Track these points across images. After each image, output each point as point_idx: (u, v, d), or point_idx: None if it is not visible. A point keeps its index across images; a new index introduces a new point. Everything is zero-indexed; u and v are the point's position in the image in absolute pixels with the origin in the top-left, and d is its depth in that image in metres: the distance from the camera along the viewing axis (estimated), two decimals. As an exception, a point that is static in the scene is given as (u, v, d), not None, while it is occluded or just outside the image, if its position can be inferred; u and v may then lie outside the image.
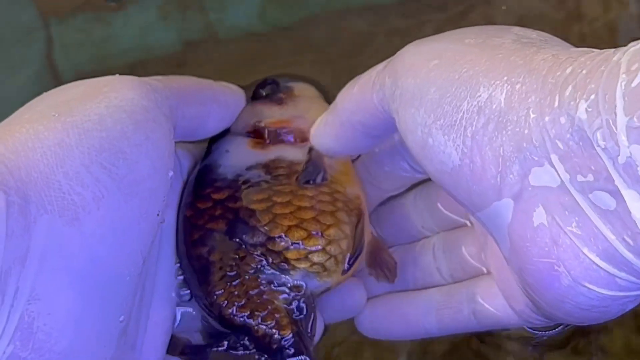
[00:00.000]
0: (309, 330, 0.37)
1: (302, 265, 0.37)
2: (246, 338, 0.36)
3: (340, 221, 0.38)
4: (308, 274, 0.37)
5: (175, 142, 0.35)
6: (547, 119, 0.29)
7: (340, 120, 0.38)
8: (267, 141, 0.40)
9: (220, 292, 0.37)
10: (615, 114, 0.27)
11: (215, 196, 0.38)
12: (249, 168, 0.39)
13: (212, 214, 0.38)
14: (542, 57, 0.30)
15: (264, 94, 0.41)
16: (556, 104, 0.28)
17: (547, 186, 0.29)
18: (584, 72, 0.28)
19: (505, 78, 0.30)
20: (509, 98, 0.30)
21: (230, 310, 0.37)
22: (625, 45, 0.28)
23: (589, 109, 0.27)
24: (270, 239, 0.37)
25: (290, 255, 0.37)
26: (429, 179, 0.40)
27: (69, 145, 0.30)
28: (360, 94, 0.37)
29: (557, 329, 0.38)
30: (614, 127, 0.27)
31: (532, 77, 0.29)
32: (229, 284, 0.37)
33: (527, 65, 0.30)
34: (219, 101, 0.39)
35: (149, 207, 0.32)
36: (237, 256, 0.37)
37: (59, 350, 0.29)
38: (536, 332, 0.37)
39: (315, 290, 0.38)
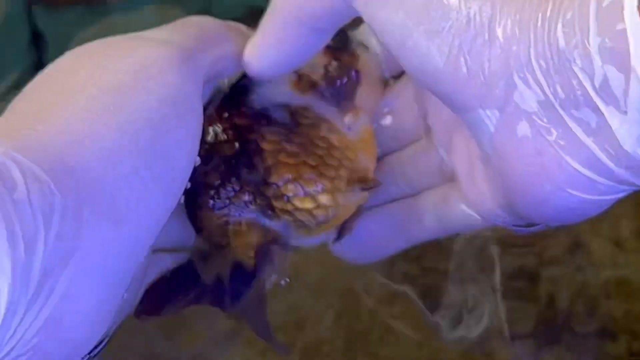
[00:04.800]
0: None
1: (285, 217, 0.37)
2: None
3: (336, 189, 0.37)
4: (288, 225, 0.37)
5: None
6: (531, 36, 0.29)
7: (284, 18, 0.35)
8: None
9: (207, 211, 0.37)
10: (589, 34, 0.27)
11: (237, 120, 0.37)
12: (277, 105, 0.38)
13: (226, 134, 0.37)
14: None
15: (330, 43, 0.38)
16: (539, 22, 0.29)
17: (532, 100, 0.30)
18: None
19: None
20: (497, 14, 0.30)
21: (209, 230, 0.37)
22: None
23: (566, 29, 0.28)
24: (265, 181, 0.37)
25: (277, 204, 0.37)
26: None
27: (122, 147, 0.30)
28: None
29: (530, 228, 0.38)
30: (588, 47, 0.28)
31: None
32: (214, 206, 0.37)
33: None
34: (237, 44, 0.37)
35: (178, 194, 0.32)
36: (231, 187, 0.37)
37: (80, 340, 0.30)
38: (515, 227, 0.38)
39: (289, 242, 0.38)
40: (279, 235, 0.37)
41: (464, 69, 0.30)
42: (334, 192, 0.37)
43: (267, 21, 0.36)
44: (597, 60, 0.27)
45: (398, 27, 0.31)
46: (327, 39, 0.36)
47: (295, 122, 0.38)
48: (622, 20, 0.27)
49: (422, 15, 0.31)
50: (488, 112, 0.31)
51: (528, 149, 0.30)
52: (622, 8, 0.27)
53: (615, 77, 0.27)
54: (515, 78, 0.29)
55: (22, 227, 0.27)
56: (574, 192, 0.30)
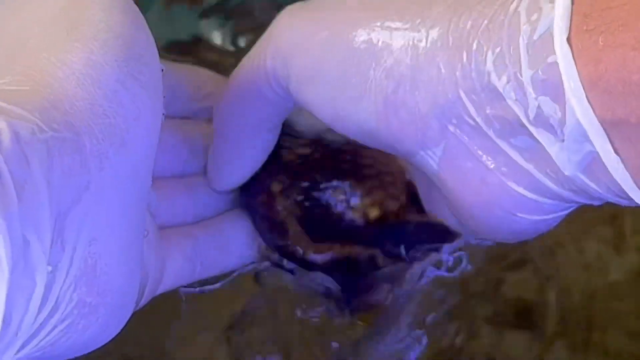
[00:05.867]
0: None
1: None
2: None
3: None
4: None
5: None
6: (458, 74, 0.29)
7: (239, 128, 0.36)
8: None
9: None
10: (521, 67, 0.28)
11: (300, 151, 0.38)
12: (328, 131, 0.38)
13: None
14: (438, 10, 0.30)
15: None
16: (465, 59, 0.29)
17: (468, 135, 0.30)
18: (485, 22, 0.29)
19: (406, 37, 0.30)
20: (416, 59, 0.30)
21: None
22: None
23: (496, 63, 0.28)
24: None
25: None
26: None
27: (98, 63, 0.27)
28: (248, 89, 0.35)
29: None
30: (521, 79, 0.28)
31: (434, 34, 0.30)
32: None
33: (425, 21, 0.30)
34: None
35: (162, 102, 0.30)
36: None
37: (118, 289, 0.28)
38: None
39: None
40: None
41: (395, 122, 0.31)
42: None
43: (219, 134, 0.36)
44: (530, 92, 0.28)
45: (327, 100, 0.32)
46: (279, 131, 0.37)
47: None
48: (554, 52, 0.27)
49: (343, 83, 0.31)
50: (429, 152, 0.31)
51: (473, 179, 0.31)
52: (552, 41, 0.27)
53: (551, 108, 0.28)
54: (448, 115, 0.30)
55: (14, 176, 0.24)
56: (523, 215, 0.31)
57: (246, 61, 0.35)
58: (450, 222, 0.37)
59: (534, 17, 0.27)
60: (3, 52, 0.28)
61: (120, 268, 0.28)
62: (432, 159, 0.31)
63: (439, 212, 0.37)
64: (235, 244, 0.39)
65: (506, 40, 0.28)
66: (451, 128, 0.30)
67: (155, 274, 0.35)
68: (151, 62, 0.29)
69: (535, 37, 0.27)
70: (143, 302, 0.35)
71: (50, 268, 0.25)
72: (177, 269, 0.37)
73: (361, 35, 0.31)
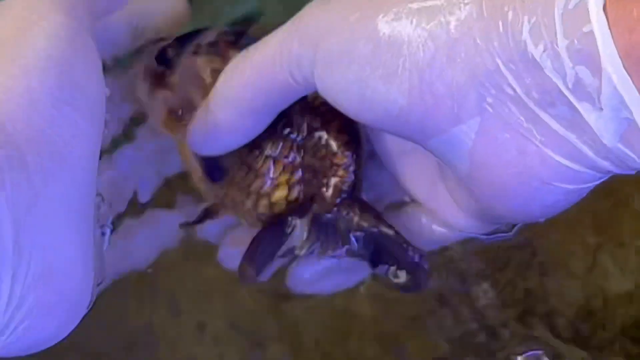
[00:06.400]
0: None
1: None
2: None
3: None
4: None
5: None
6: (495, 44, 0.30)
7: (238, 109, 0.36)
8: None
9: None
10: (556, 36, 0.28)
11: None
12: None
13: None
14: None
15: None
16: (501, 29, 0.29)
17: (507, 105, 0.30)
18: None
19: (440, 12, 0.30)
20: (451, 31, 0.30)
21: None
22: None
23: (532, 33, 0.29)
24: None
25: None
26: None
27: (36, 90, 0.30)
28: (262, 75, 0.35)
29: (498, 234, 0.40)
30: (557, 49, 0.28)
31: (468, 6, 0.30)
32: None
33: None
34: None
35: (102, 122, 0.33)
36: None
37: (74, 289, 0.31)
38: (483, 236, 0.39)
39: None
40: None
41: (429, 97, 0.31)
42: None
43: (218, 109, 0.36)
44: (567, 62, 0.28)
45: (354, 82, 0.32)
46: (277, 113, 0.37)
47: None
48: (589, 21, 0.28)
49: (374, 61, 0.31)
50: (464, 126, 0.31)
51: (510, 150, 0.31)
52: (588, 10, 0.28)
53: (588, 77, 0.28)
54: (487, 85, 0.30)
55: None
56: (560, 185, 0.31)
57: (264, 47, 0.35)
58: (454, 219, 0.37)
59: None
60: None
61: (75, 269, 0.31)
62: (465, 134, 0.31)
63: (441, 208, 0.37)
64: None
65: (541, 10, 0.28)
66: (489, 99, 0.30)
67: (101, 271, 0.37)
68: (88, 87, 0.32)
69: (570, 7, 0.28)
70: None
71: (12, 272, 0.28)
72: (141, 251, 0.41)
73: (393, 14, 0.31)
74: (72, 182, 0.30)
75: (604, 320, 0.48)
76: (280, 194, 0.38)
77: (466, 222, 0.37)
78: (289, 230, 0.38)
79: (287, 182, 0.38)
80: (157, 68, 0.39)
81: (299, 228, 0.38)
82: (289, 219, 0.38)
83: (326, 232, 0.38)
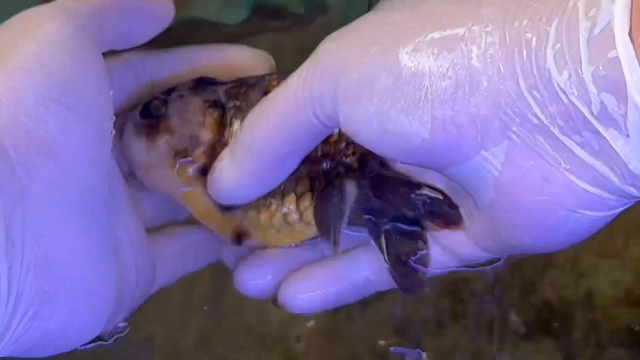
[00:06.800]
0: None
1: None
2: None
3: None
4: None
5: None
6: (518, 71, 0.29)
7: (266, 159, 0.36)
8: None
9: None
10: (581, 63, 0.28)
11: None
12: None
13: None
14: (489, 11, 0.30)
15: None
16: (525, 56, 0.29)
17: (532, 133, 0.30)
18: (543, 19, 0.29)
19: (462, 41, 0.30)
20: (473, 60, 0.30)
21: None
22: None
23: (556, 59, 0.28)
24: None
25: None
26: None
27: (21, 89, 0.31)
28: (286, 120, 0.35)
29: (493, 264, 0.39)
30: (582, 75, 0.28)
31: (490, 34, 0.30)
32: None
33: (477, 23, 0.30)
34: (143, 9, 0.37)
35: (104, 125, 0.33)
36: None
37: (77, 278, 0.31)
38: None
39: None
40: None
41: (452, 127, 0.31)
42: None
43: (245, 160, 0.36)
44: (592, 88, 0.28)
45: (375, 114, 0.32)
46: (303, 157, 0.37)
47: None
48: (614, 47, 0.27)
49: (395, 93, 0.31)
50: (489, 155, 0.31)
51: (535, 178, 0.31)
52: (613, 36, 0.27)
53: (613, 103, 0.28)
54: (511, 114, 0.30)
55: None
56: (586, 212, 0.31)
57: (285, 89, 0.35)
58: (461, 249, 0.36)
59: (593, 12, 0.28)
60: None
61: (77, 258, 0.31)
62: (489, 162, 0.31)
63: (447, 236, 0.37)
64: None
65: (565, 36, 0.28)
66: (514, 127, 0.30)
67: (145, 273, 0.37)
68: (85, 87, 0.32)
69: (595, 33, 0.28)
70: (139, 302, 0.37)
71: (8, 263, 0.29)
72: (168, 267, 0.39)
73: (413, 45, 0.31)
74: (63, 175, 0.31)
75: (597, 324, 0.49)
76: (302, 187, 0.38)
77: (471, 252, 0.37)
78: (338, 191, 0.37)
79: (308, 174, 0.38)
80: (146, 121, 0.39)
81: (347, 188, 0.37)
82: (334, 183, 0.38)
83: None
